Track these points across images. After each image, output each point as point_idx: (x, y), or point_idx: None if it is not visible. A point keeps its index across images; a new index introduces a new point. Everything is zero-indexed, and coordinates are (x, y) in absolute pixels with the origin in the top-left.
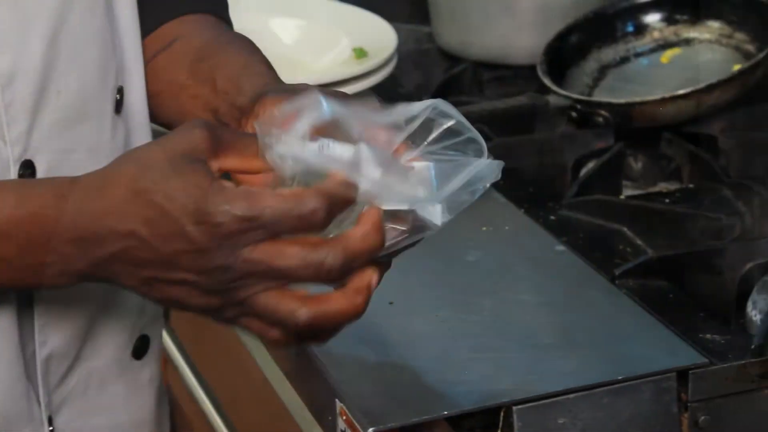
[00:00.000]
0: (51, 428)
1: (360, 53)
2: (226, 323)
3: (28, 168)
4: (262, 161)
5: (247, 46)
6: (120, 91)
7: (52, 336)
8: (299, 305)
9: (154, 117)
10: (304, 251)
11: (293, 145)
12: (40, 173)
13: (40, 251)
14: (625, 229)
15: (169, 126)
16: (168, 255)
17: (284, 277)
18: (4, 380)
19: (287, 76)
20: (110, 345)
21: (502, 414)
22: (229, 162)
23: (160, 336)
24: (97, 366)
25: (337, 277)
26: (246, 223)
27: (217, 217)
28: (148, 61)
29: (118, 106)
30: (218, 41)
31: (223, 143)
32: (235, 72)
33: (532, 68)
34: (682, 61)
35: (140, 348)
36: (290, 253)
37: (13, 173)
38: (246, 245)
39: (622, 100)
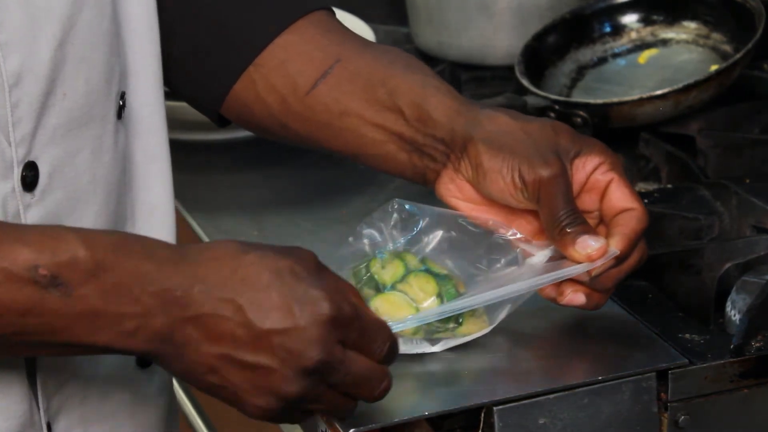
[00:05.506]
0: None
1: None
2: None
3: (31, 170)
4: None
5: (413, 63)
6: (122, 96)
7: None
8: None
9: (322, 145)
10: (373, 365)
11: None
12: (43, 176)
13: (124, 300)
14: None
15: (346, 155)
16: (260, 331)
17: (354, 383)
18: (8, 383)
19: None
20: (108, 355)
21: (482, 414)
22: None
23: None
24: (95, 375)
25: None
26: (354, 322)
27: (325, 303)
28: (307, 91)
29: (120, 111)
30: (380, 61)
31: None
32: (419, 97)
33: (510, 69)
34: (659, 61)
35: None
36: (363, 363)
37: (16, 175)
38: (339, 342)
39: (599, 101)
